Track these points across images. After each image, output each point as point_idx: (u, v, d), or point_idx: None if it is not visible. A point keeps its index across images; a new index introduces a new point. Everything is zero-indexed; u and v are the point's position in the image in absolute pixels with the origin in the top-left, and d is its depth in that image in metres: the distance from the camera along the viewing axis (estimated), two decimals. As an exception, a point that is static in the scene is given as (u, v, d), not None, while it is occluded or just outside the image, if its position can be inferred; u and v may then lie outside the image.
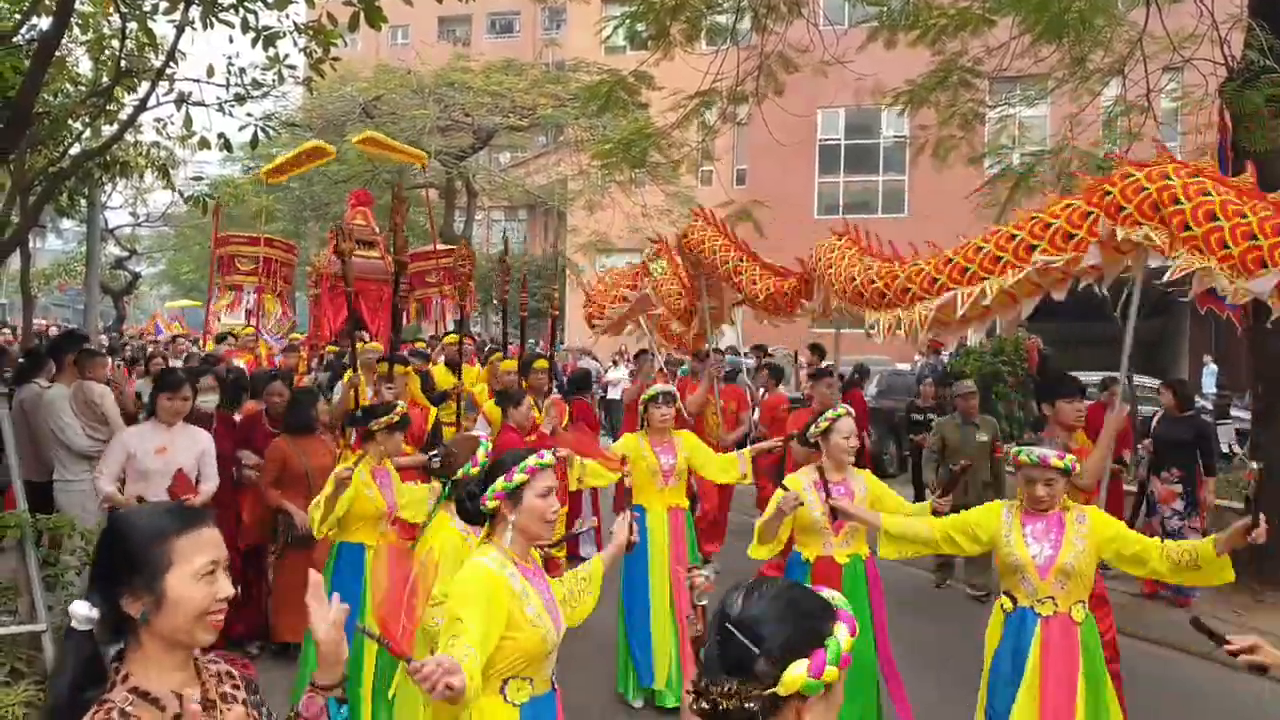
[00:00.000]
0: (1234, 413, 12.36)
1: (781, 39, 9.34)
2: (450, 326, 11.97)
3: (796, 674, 1.36)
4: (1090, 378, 12.53)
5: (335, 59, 6.27)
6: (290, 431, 5.62)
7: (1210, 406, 13.24)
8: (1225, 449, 12.28)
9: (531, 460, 2.66)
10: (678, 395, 5.55)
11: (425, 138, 18.29)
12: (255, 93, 6.68)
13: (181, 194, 9.57)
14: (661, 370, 9.53)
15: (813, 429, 4.34)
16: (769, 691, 1.36)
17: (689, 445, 5.35)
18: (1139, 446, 8.03)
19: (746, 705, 1.35)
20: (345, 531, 4.40)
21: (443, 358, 8.73)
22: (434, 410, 6.77)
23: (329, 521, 4.18)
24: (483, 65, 20.98)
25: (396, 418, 4.60)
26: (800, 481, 4.23)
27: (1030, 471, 3.52)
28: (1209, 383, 16.10)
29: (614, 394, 15.38)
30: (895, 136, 23.69)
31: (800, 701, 1.38)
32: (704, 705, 1.39)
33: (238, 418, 6.41)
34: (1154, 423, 7.81)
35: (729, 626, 1.40)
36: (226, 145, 6.96)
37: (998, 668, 3.55)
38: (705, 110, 10.01)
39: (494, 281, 10.35)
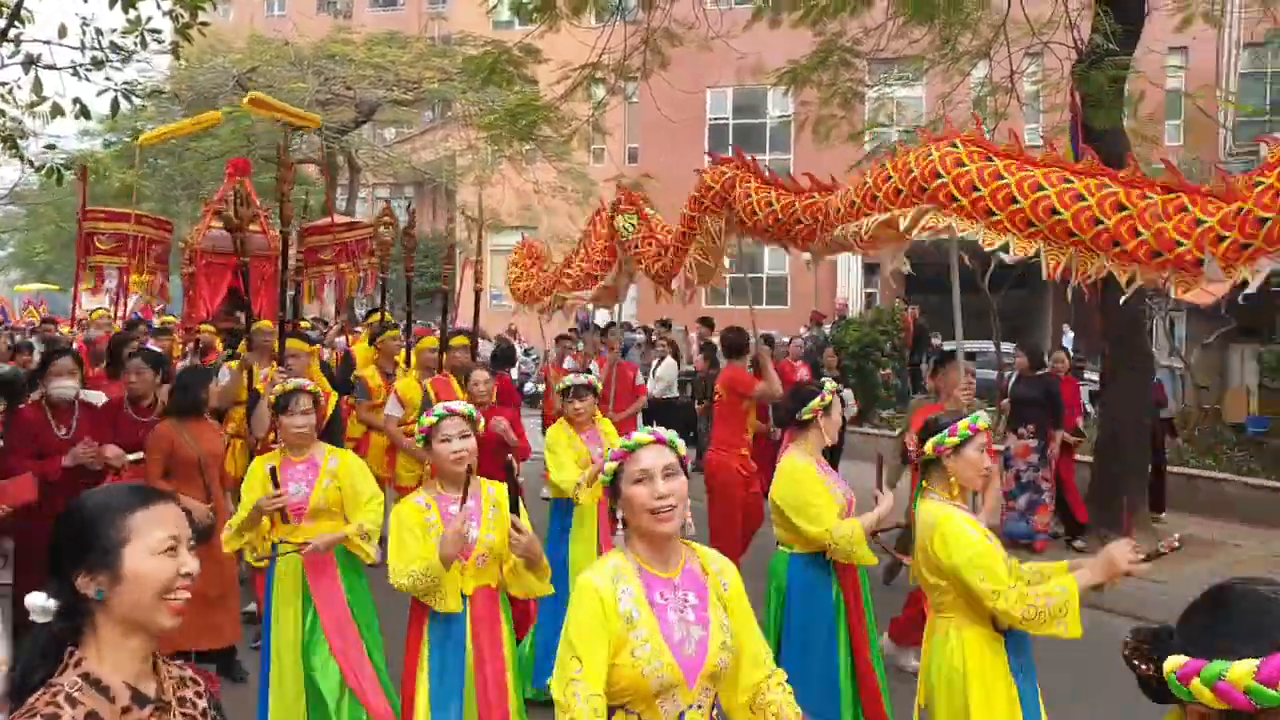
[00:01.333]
0: (1087, 375, 13.19)
1: (667, 15, 9.45)
2: (336, 307, 11.65)
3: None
4: (968, 348, 13.16)
5: (204, 24, 6.04)
6: (178, 414, 5.01)
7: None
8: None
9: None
10: (597, 386, 5.33)
11: (305, 112, 17.71)
12: (115, 57, 6.34)
13: (32, 163, 8.54)
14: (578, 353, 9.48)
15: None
16: None
17: (610, 433, 5.23)
18: (995, 406, 8.54)
19: None
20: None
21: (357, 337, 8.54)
22: (334, 395, 6.25)
23: (244, 542, 3.95)
24: (364, 37, 20.39)
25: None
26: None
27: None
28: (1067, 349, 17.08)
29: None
30: (780, 116, 24.18)
31: None
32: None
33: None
34: (1010, 383, 8.38)
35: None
36: (84, 112, 6.56)
37: None
38: (593, 85, 10.04)
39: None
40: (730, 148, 7.35)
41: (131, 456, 4.91)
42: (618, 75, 9.82)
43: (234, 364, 6.36)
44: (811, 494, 3.75)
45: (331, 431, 5.64)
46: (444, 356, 6.69)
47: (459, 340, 6.86)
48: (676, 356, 12.85)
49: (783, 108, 23.65)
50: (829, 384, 4.04)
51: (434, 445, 3.32)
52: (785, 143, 25.68)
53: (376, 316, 8.12)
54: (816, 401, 3.93)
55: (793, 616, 3.84)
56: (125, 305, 10.62)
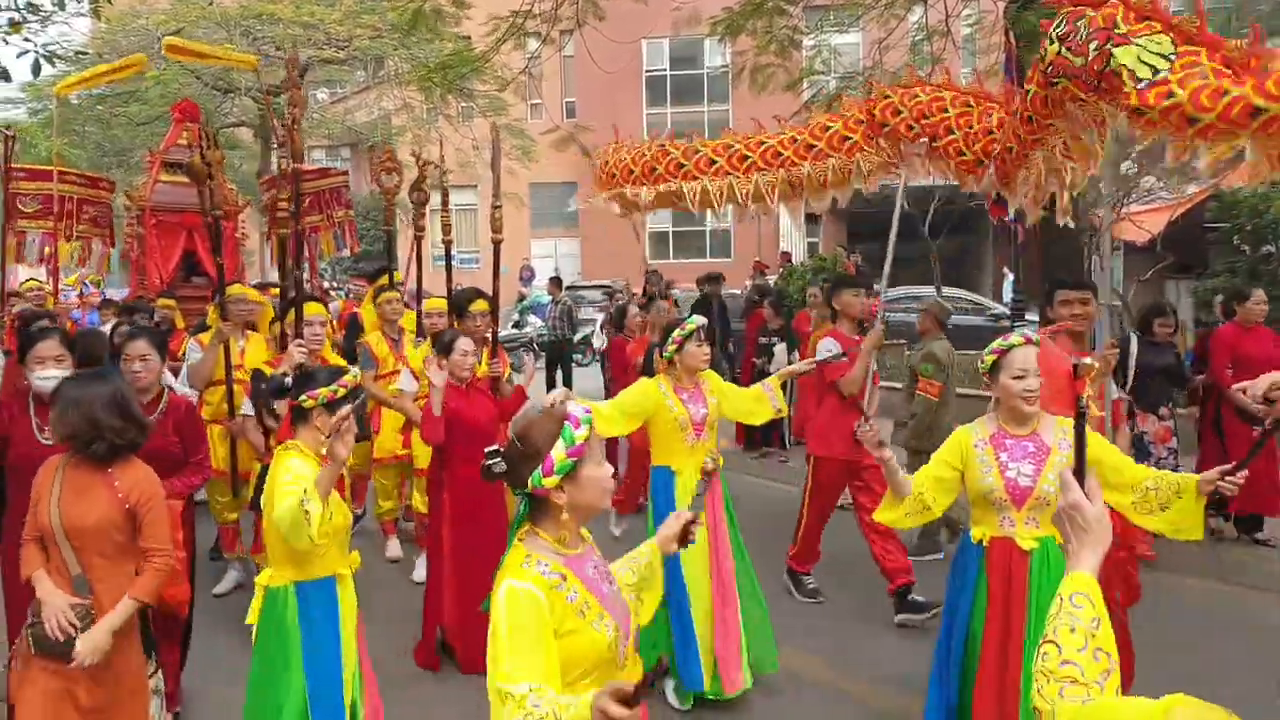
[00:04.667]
0: (1028, 316, 13.51)
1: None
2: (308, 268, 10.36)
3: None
4: (913, 293, 13.40)
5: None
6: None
7: (1009, 312, 14.45)
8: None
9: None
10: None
11: (233, 74, 17.21)
12: (32, 19, 6.12)
13: None
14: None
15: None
16: None
17: (717, 387, 4.42)
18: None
19: None
20: (304, 566, 3.09)
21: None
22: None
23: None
24: (292, -5, 19.79)
25: (346, 388, 3.16)
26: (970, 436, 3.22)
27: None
28: (1008, 292, 17.45)
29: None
30: (718, 67, 24.08)
31: None
32: None
33: None
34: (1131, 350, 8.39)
35: None
36: (4, 75, 6.35)
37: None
38: (525, 38, 9.92)
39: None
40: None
41: None
42: (550, 26, 9.71)
43: (204, 337, 5.62)
44: None
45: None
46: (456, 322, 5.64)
47: (480, 305, 5.55)
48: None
49: (720, 58, 23.55)
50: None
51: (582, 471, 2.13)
52: (724, 94, 25.63)
53: (388, 277, 7.19)
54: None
55: None
56: (58, 276, 9.02)
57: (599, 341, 12.92)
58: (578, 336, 17.51)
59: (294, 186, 4.76)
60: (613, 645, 1.98)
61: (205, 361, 5.38)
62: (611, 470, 2.07)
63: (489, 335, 5.47)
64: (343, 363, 4.86)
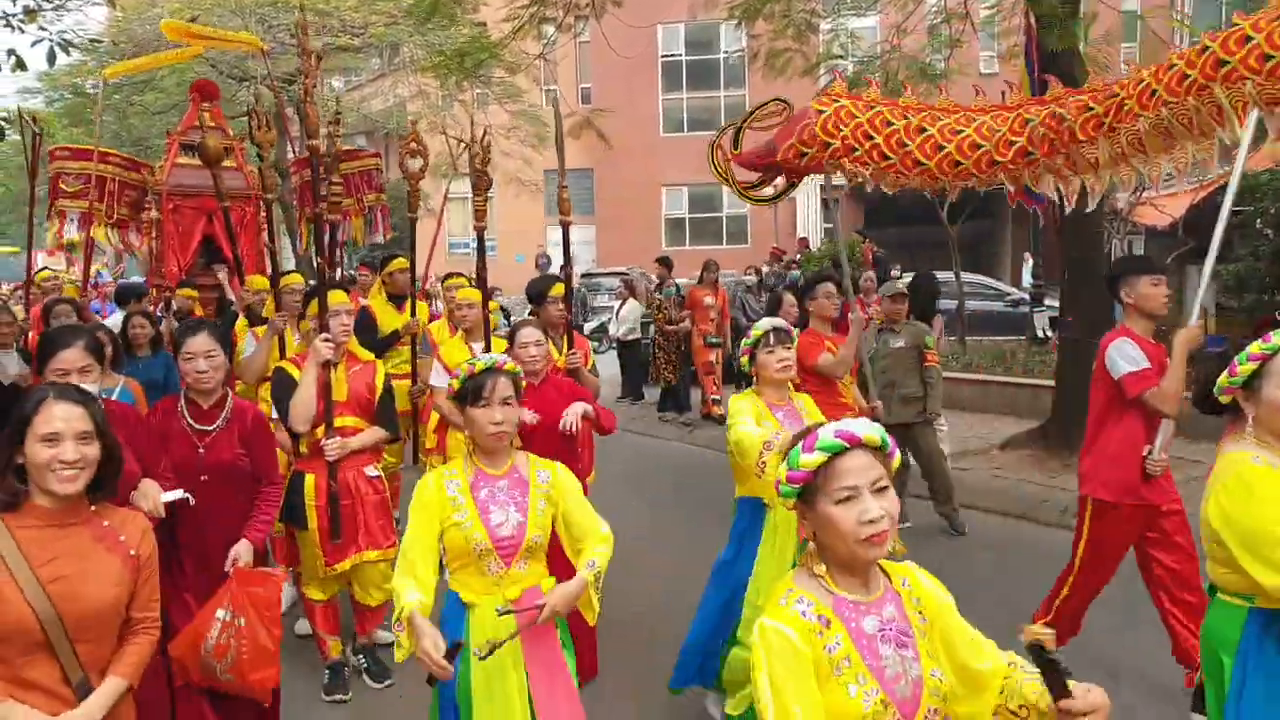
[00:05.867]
0: (1048, 301, 13.39)
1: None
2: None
3: None
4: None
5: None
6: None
7: (1028, 297, 14.33)
8: (1040, 334, 13.38)
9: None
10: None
11: (249, 63, 17.21)
12: (47, 6, 6.13)
13: None
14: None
15: None
16: None
17: (809, 405, 3.87)
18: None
19: None
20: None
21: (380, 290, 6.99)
22: (381, 365, 4.58)
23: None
24: (307, -18, 19.76)
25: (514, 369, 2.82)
26: None
27: None
28: (1027, 276, 17.30)
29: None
30: (734, 51, 23.92)
31: None
32: None
33: None
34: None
35: None
36: (20, 64, 6.37)
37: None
38: (542, 24, 9.86)
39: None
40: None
41: (171, 495, 3.16)
42: (567, 12, 9.65)
43: (260, 330, 5.30)
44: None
45: (387, 411, 4.39)
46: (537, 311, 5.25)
47: (557, 289, 5.23)
48: (635, 298, 12.90)
49: (736, 43, 23.39)
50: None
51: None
52: (740, 79, 25.46)
53: (399, 263, 6.83)
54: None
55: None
56: (89, 262, 8.53)
57: (619, 328, 12.89)
58: (594, 325, 17.51)
59: (313, 171, 4.41)
60: (869, 719, 1.70)
61: (259, 355, 5.04)
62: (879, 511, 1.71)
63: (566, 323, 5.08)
64: (369, 355, 4.56)
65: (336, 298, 4.33)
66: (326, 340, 4.09)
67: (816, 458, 1.72)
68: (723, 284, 11.53)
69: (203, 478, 3.35)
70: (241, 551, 3.34)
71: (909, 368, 6.49)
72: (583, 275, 20.17)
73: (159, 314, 6.85)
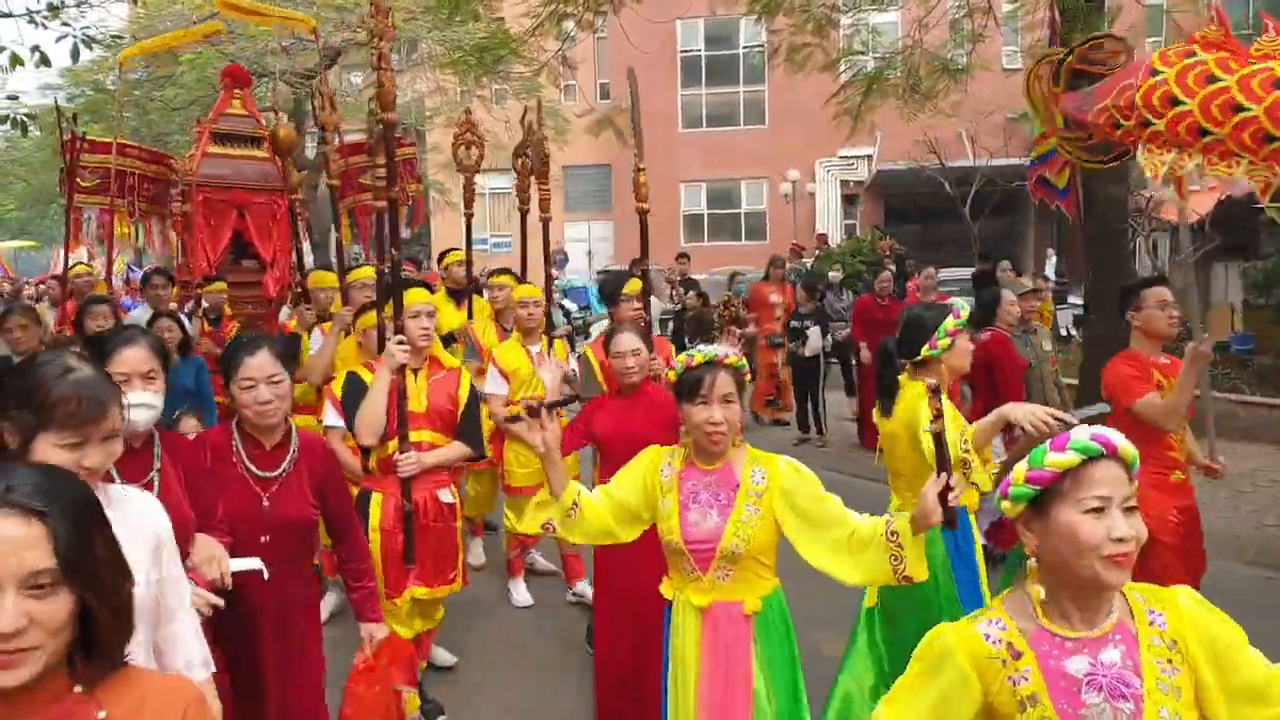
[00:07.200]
0: (1071, 299, 13.26)
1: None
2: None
3: None
4: (955, 274, 13.24)
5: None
6: None
7: (1051, 294, 14.17)
8: (1064, 332, 13.26)
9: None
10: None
11: (269, 58, 17.26)
12: (70, 2, 6.16)
13: None
14: None
15: None
16: None
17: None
18: None
19: None
20: None
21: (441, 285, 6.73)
22: (466, 374, 4.08)
23: None
24: (326, -22, 19.81)
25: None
26: None
27: None
28: (1050, 273, 17.15)
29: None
30: (754, 47, 23.84)
31: None
32: None
33: None
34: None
35: None
36: (44, 60, 6.38)
37: None
38: (562, 20, 9.84)
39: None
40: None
41: (243, 564, 2.50)
42: (586, 8, 9.61)
43: (327, 326, 5.04)
44: None
45: (471, 425, 3.93)
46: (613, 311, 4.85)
47: (634, 286, 4.78)
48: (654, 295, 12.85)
49: (755, 38, 23.31)
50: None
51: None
52: (759, 75, 25.35)
53: (454, 256, 6.62)
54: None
55: None
56: (112, 259, 8.11)
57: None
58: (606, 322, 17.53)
59: (388, 154, 3.82)
60: None
61: (324, 351, 4.69)
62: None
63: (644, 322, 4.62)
64: (455, 362, 4.17)
65: (417, 296, 3.85)
66: (401, 344, 3.64)
67: (1069, 458, 1.55)
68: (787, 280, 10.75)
69: (263, 538, 2.65)
70: (375, 632, 2.95)
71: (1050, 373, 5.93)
72: (599, 272, 20.21)
73: (186, 313, 6.55)
